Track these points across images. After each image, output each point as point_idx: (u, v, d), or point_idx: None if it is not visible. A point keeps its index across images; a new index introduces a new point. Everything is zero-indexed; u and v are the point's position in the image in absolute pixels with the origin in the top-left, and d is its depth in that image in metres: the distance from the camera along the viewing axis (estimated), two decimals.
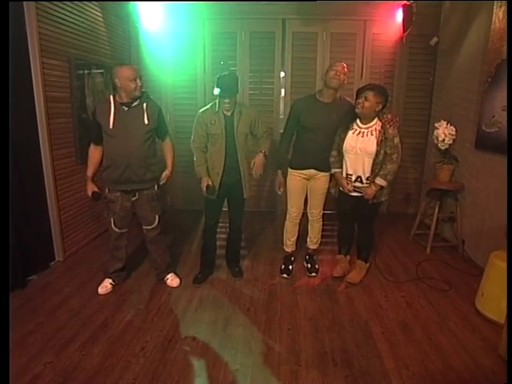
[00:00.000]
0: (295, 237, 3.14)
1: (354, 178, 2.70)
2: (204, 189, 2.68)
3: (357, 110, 2.58)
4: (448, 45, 4.02)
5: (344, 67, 2.66)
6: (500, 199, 2.96)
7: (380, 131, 2.55)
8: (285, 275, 3.07)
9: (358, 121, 2.65)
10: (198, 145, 2.70)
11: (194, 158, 2.73)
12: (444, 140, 3.52)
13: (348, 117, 2.69)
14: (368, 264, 3.07)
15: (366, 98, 2.51)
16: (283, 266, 3.14)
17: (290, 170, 2.95)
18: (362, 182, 2.69)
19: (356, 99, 2.59)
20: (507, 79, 2.80)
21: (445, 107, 4.05)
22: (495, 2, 3.07)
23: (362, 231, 3.01)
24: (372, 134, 2.58)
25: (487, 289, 2.50)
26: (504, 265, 2.32)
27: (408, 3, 4.01)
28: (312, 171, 2.89)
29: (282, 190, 2.98)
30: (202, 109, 2.71)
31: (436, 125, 3.62)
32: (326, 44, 4.33)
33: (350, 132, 2.65)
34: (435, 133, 3.60)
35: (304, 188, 2.97)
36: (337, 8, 4.20)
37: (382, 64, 4.40)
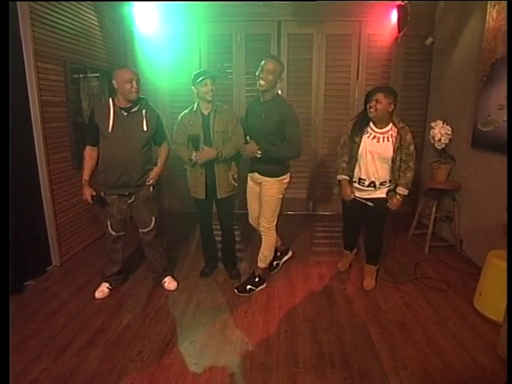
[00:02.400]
0: None
1: (367, 183, 2.67)
2: (197, 158, 2.59)
3: (370, 115, 2.55)
4: (443, 44, 4.03)
5: (270, 68, 2.48)
6: (497, 198, 2.96)
7: (396, 137, 2.54)
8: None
9: (372, 125, 2.62)
10: (180, 142, 2.71)
11: (176, 151, 2.74)
12: (440, 139, 3.54)
13: (286, 116, 2.54)
14: (377, 266, 3.01)
15: (377, 101, 2.49)
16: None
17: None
18: (375, 186, 2.66)
19: (366, 104, 2.57)
20: (507, 79, 2.75)
21: (441, 107, 4.06)
22: (489, 2, 3.07)
23: (371, 237, 2.92)
24: (388, 140, 2.56)
25: (485, 288, 2.50)
26: (502, 264, 2.32)
27: (403, 3, 4.02)
28: (256, 175, 2.74)
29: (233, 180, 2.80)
30: (183, 112, 2.74)
31: (432, 124, 3.63)
32: (322, 45, 4.34)
33: (365, 136, 2.62)
34: (431, 132, 3.61)
35: (256, 193, 2.82)
36: (332, 9, 4.21)
37: (377, 64, 4.40)
